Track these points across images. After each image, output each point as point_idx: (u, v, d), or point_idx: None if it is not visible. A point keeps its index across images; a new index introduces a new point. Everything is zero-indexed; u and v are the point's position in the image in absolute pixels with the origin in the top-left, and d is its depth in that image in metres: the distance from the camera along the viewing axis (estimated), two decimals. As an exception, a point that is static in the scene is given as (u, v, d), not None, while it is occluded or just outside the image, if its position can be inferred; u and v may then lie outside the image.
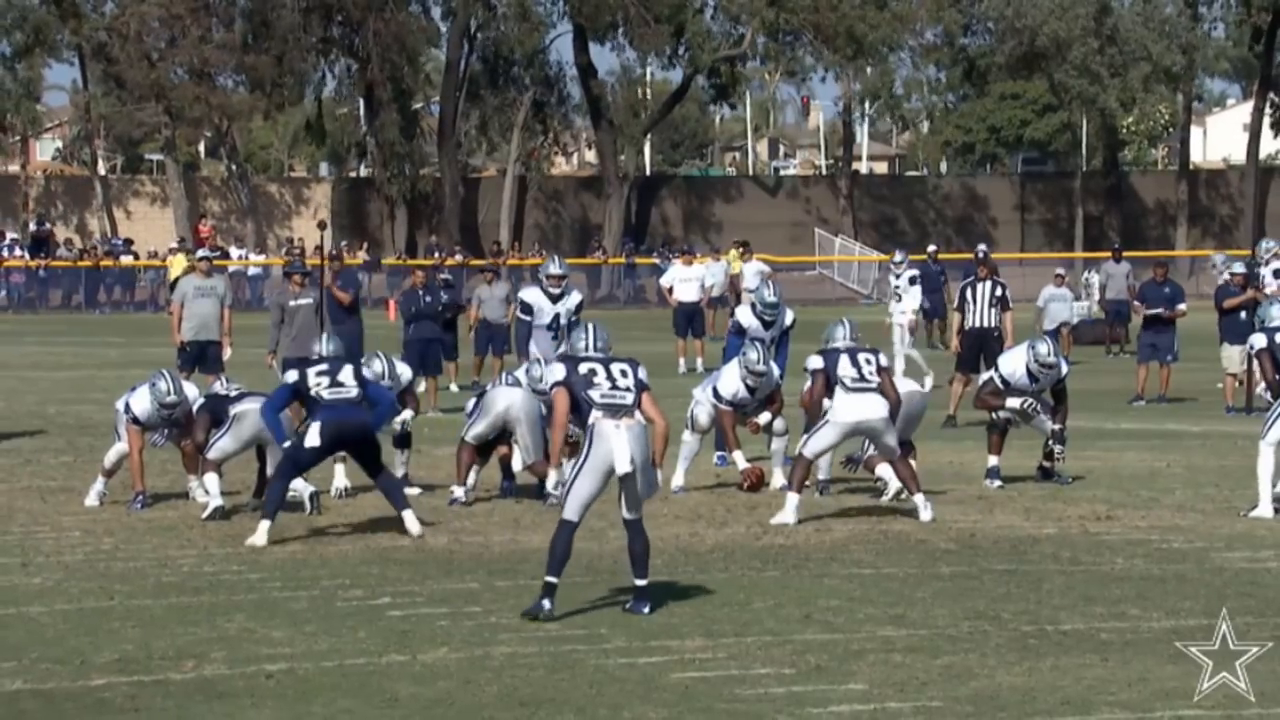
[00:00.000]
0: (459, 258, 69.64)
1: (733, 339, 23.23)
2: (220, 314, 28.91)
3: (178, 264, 67.28)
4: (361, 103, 79.92)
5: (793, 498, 19.27)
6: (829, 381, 19.82)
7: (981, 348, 28.37)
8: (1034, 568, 16.91)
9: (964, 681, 12.54)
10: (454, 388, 33.16)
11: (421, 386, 29.65)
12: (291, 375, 19.51)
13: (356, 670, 12.90)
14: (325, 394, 18.83)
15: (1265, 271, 33.43)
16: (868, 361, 19.88)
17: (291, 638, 13.88)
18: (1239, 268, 33.60)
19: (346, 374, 19.12)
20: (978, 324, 29.10)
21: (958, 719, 11.56)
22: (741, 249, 53.47)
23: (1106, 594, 15.59)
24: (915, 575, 16.46)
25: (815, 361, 19.93)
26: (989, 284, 29.76)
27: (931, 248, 45.76)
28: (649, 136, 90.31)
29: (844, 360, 19.81)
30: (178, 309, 29.45)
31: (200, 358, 28.60)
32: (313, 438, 18.65)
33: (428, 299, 32.18)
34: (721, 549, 17.80)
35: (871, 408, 19.56)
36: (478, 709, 11.78)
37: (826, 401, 19.89)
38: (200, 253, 35.12)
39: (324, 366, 19.21)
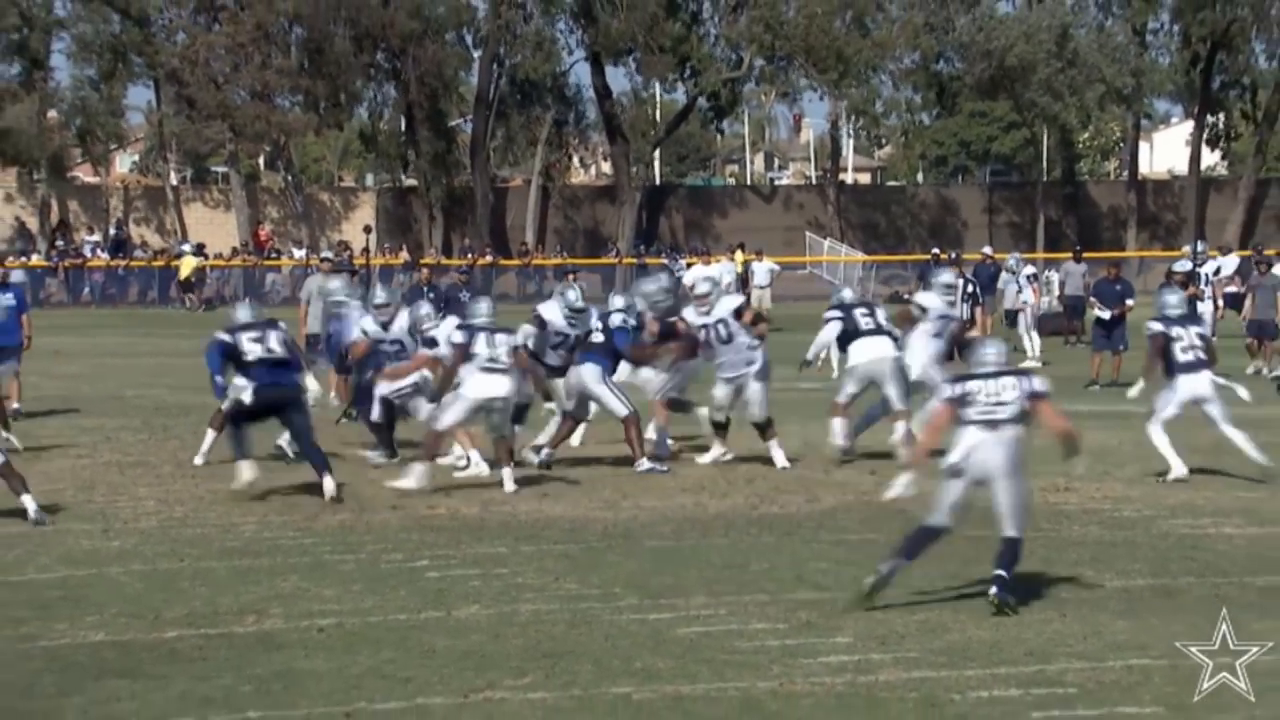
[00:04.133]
0: (489, 257, 69.73)
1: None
2: None
3: (187, 264, 67.50)
4: (403, 120, 79.98)
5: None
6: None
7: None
8: (987, 533, 16.87)
9: (938, 635, 12.52)
10: None
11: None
12: (224, 335, 19.44)
13: (398, 625, 12.89)
14: (259, 357, 18.93)
15: (1204, 271, 33.44)
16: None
17: (340, 596, 13.88)
18: (1182, 266, 33.63)
19: (274, 339, 19.16)
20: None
21: (933, 669, 11.53)
22: (757, 253, 53.76)
23: (1064, 557, 15.58)
24: (895, 541, 16.43)
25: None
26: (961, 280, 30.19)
27: (986, 249, 45.72)
28: (658, 151, 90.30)
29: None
30: (304, 306, 29.43)
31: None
32: (246, 396, 18.75)
33: (431, 295, 32.07)
34: (723, 517, 17.79)
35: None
36: (505, 659, 11.76)
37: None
38: (324, 254, 35.12)
39: (255, 332, 19.24)
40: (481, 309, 20.75)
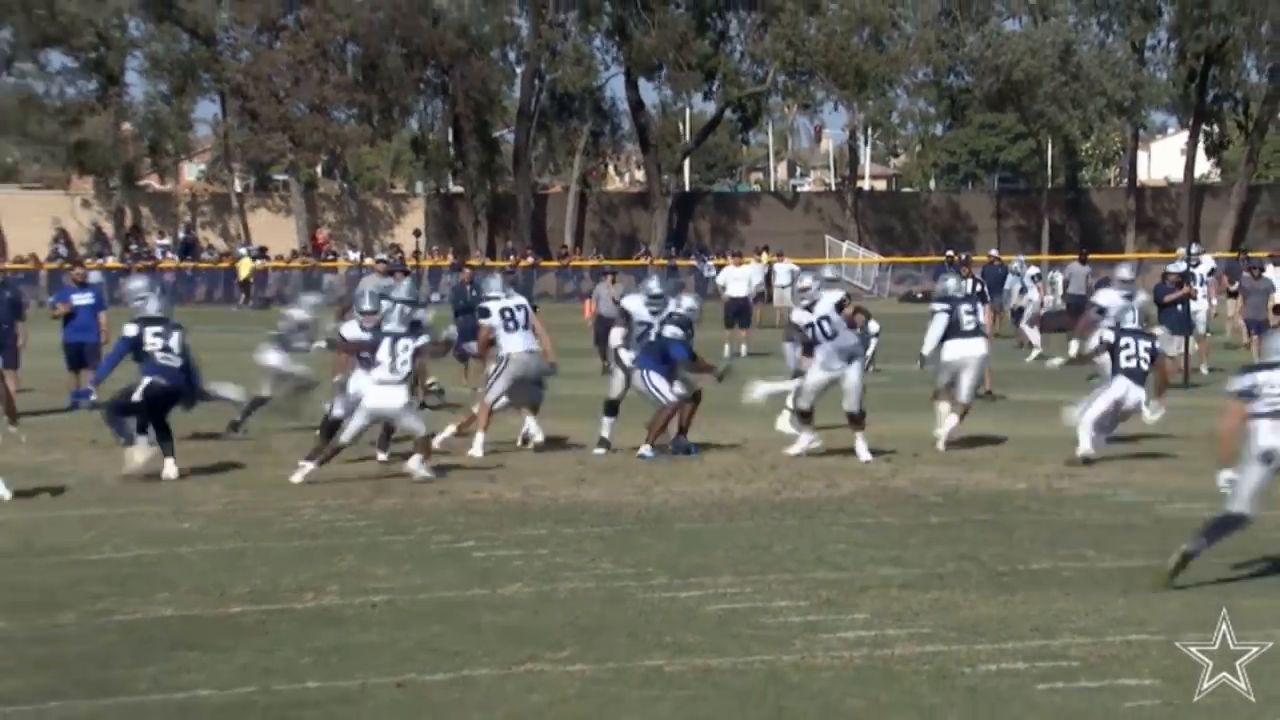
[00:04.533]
0: (530, 259, 69.80)
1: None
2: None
3: (245, 266, 67.87)
4: (450, 132, 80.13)
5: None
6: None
7: None
8: (1007, 517, 16.88)
9: (950, 612, 12.51)
10: None
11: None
12: (131, 329, 19.55)
13: (445, 601, 12.90)
14: (157, 355, 19.22)
15: (1198, 272, 33.37)
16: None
17: (392, 574, 13.90)
18: (1176, 268, 33.58)
19: (175, 340, 19.26)
20: None
21: (945, 644, 11.52)
22: (778, 254, 53.88)
23: (1068, 539, 15.56)
24: (909, 524, 16.44)
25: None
26: (970, 281, 30.29)
27: (993, 251, 45.70)
28: (687, 160, 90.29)
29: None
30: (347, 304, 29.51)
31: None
32: (139, 393, 19.05)
33: (473, 294, 32.09)
34: (748, 502, 17.80)
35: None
36: (545, 634, 11.77)
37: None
38: (379, 256, 35.16)
39: (159, 329, 19.33)
40: (494, 285, 21.26)
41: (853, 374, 20.92)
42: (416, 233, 75.69)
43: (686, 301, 22.39)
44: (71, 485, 18.93)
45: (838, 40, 76.52)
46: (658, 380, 21.37)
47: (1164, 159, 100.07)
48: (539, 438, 22.14)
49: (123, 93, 77.07)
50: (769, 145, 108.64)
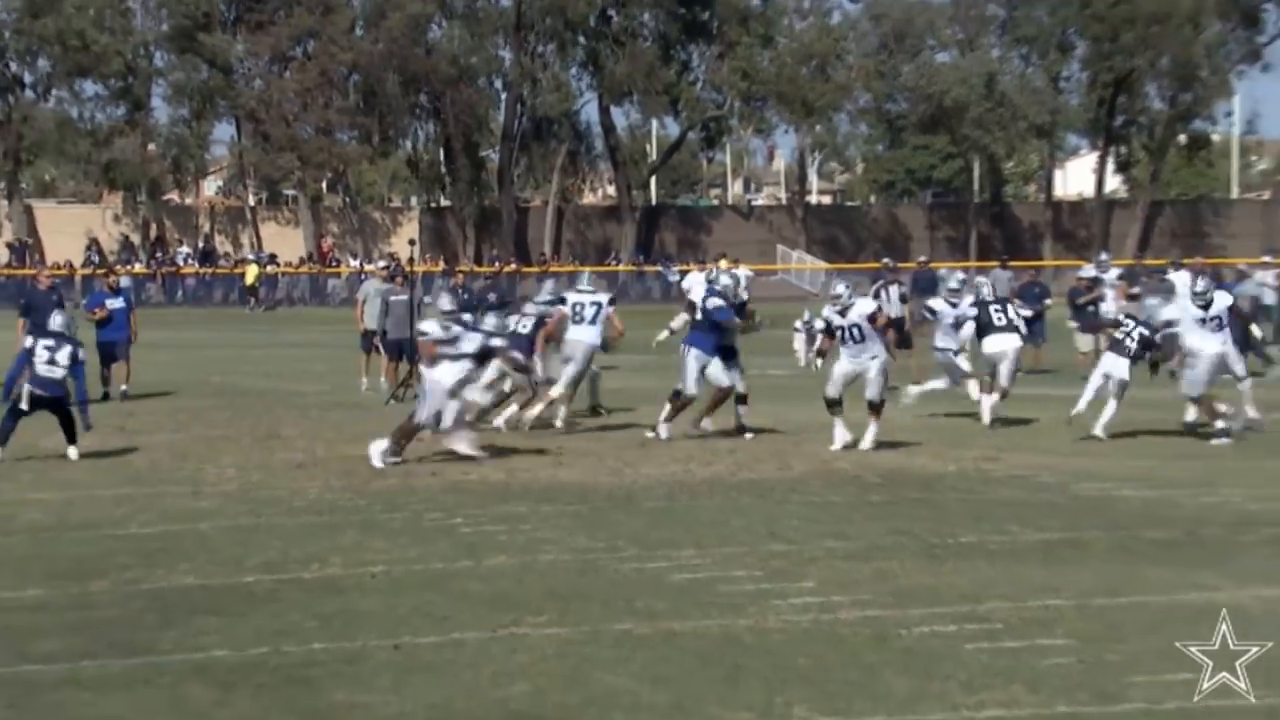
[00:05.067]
0: (513, 266, 69.75)
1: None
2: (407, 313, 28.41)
3: (251, 272, 67.77)
4: (442, 151, 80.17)
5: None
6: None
7: (900, 329, 28.81)
8: (939, 496, 16.90)
9: (888, 581, 12.52)
10: None
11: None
12: (27, 341, 19.57)
13: (437, 572, 12.88)
14: (40, 367, 19.17)
15: (1107, 277, 33.40)
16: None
17: (389, 548, 13.87)
18: (1087, 273, 33.69)
19: (64, 355, 19.27)
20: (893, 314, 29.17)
21: (883, 609, 11.53)
22: (735, 261, 53.83)
23: (993, 515, 15.58)
24: (852, 502, 16.45)
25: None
26: (895, 286, 30.80)
27: (922, 258, 45.62)
28: (654, 176, 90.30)
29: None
30: (360, 306, 29.38)
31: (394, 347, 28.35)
32: (24, 401, 19.10)
33: (464, 295, 32.16)
34: (708, 483, 17.78)
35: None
36: (527, 601, 11.76)
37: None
38: (379, 263, 35.07)
39: (50, 343, 19.34)
40: (547, 288, 21.46)
41: (874, 369, 20.63)
42: (411, 242, 75.09)
43: (723, 279, 23.01)
44: (103, 467, 18.87)
45: (788, 71, 76.93)
46: (717, 367, 21.40)
47: (1078, 176, 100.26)
48: (558, 422, 22.17)
49: (148, 117, 76.91)
50: (727, 164, 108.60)
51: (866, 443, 20.43)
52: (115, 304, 27.94)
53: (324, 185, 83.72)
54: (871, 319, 20.82)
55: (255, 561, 13.28)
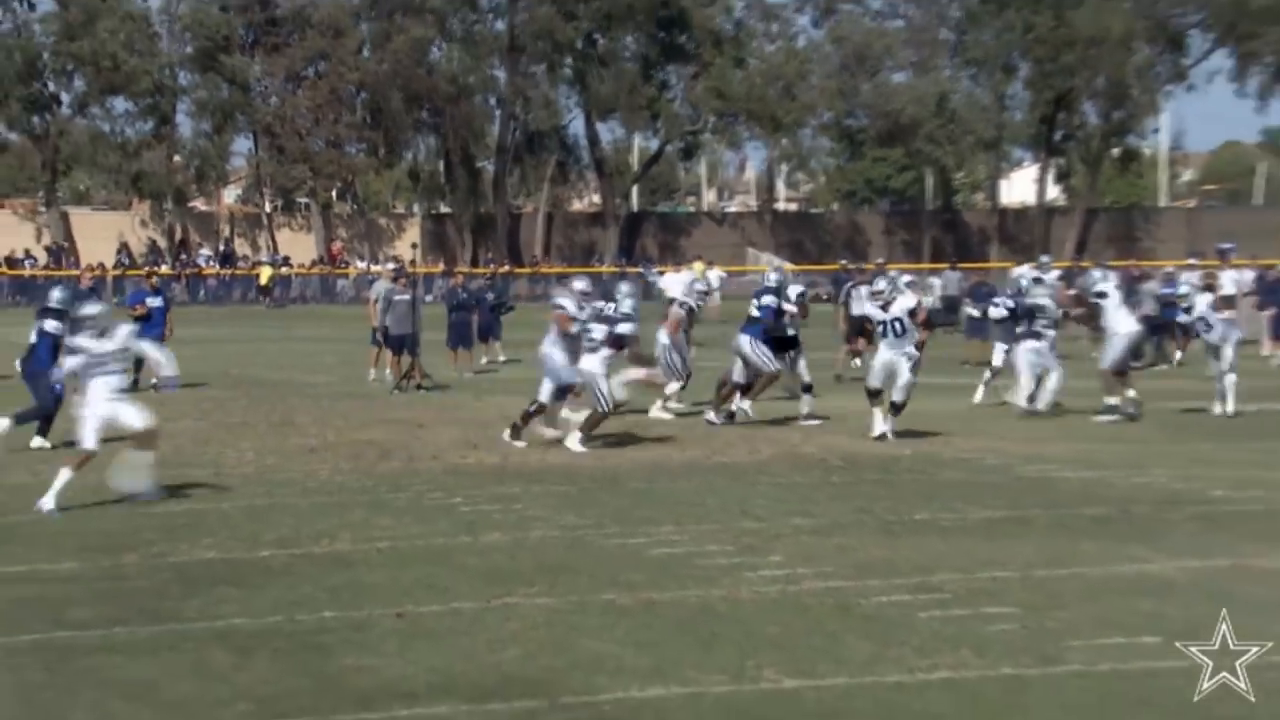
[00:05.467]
0: (506, 267, 69.67)
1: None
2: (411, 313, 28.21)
3: (265, 273, 67.70)
4: (442, 163, 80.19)
5: None
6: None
7: (862, 329, 28.75)
8: (896, 477, 16.92)
9: (849, 555, 12.52)
10: (501, 358, 32.99)
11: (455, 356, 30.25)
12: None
13: (438, 547, 12.87)
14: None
15: (1048, 277, 33.37)
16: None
17: (394, 525, 13.86)
18: (1029, 273, 33.70)
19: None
20: (857, 313, 29.18)
21: (844, 580, 11.54)
22: (709, 263, 53.96)
23: (944, 495, 15.60)
24: (816, 483, 16.46)
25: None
26: (864, 287, 30.53)
27: (879, 260, 45.66)
28: (636, 185, 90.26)
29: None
30: (373, 305, 29.14)
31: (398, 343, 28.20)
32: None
33: (463, 294, 32.17)
34: (686, 465, 17.79)
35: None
36: (519, 574, 11.75)
37: None
38: (390, 265, 35.01)
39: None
40: (624, 290, 21.15)
41: (905, 367, 20.03)
42: (414, 246, 75.39)
43: (772, 276, 23.09)
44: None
45: (757, 90, 77.03)
46: (764, 349, 21.37)
47: (1021, 186, 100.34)
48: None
49: (174, 131, 76.80)
50: (702, 174, 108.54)
51: (878, 430, 19.84)
52: (155, 302, 28.06)
53: (334, 194, 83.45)
54: (913, 314, 20.40)
55: (271, 537, 13.26)
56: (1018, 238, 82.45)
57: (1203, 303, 23.82)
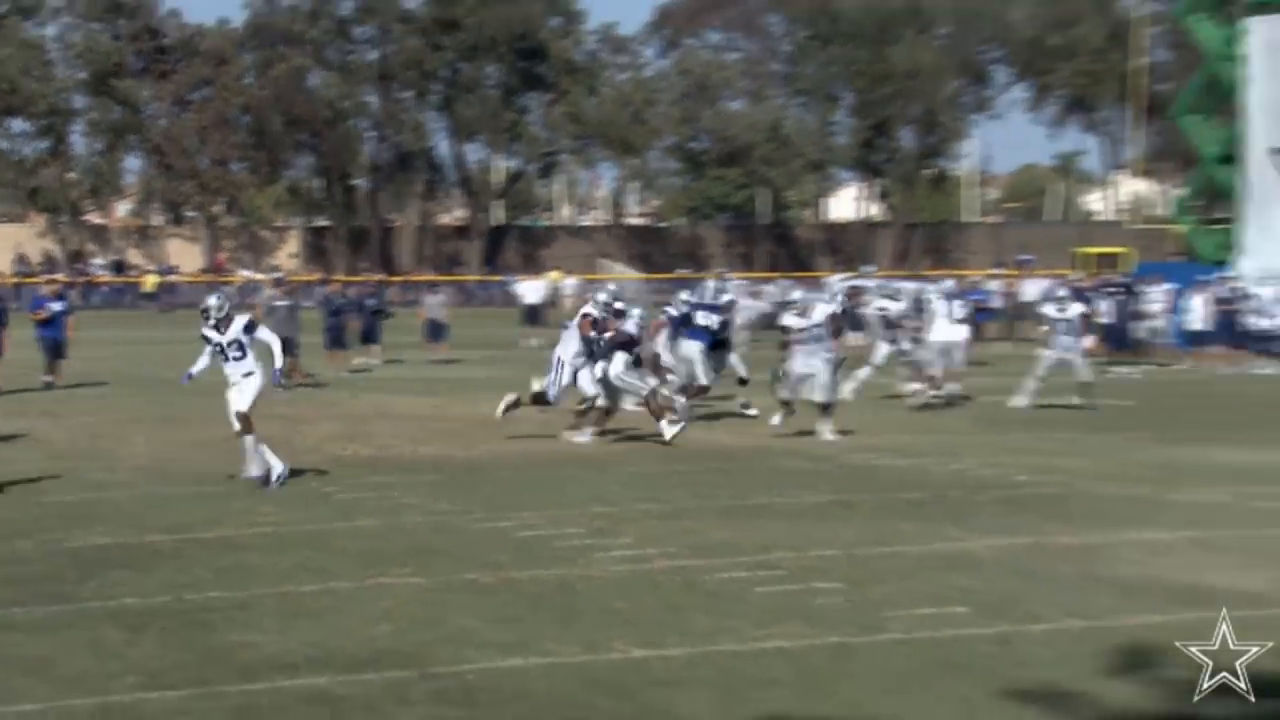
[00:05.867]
0: (380, 277, 69.15)
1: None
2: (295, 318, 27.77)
3: (149, 281, 66.89)
4: (319, 180, 79.60)
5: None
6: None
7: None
8: (736, 465, 16.99)
9: (694, 537, 12.55)
10: (379, 360, 32.68)
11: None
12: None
13: (317, 532, 12.73)
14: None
15: (870, 285, 33.80)
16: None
17: (276, 512, 13.68)
18: (855, 283, 34.07)
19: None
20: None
21: (689, 559, 11.55)
22: (565, 272, 53.94)
23: (781, 481, 15.69)
24: (663, 471, 16.49)
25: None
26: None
27: (720, 270, 45.65)
28: (499, 201, 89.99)
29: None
30: (259, 310, 28.67)
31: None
32: None
33: (341, 300, 31.94)
34: (545, 456, 17.75)
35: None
36: (392, 555, 11.65)
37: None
38: (274, 274, 34.64)
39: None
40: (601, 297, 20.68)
41: (825, 371, 19.61)
42: (293, 256, 74.79)
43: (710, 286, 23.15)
44: (26, 444, 18.43)
45: (610, 115, 77.31)
46: (706, 361, 21.28)
47: (845, 203, 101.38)
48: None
49: (68, 149, 75.65)
50: (560, 190, 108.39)
51: (827, 436, 19.22)
52: (56, 307, 27.64)
53: (219, 208, 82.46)
54: (832, 319, 20.14)
55: (161, 524, 13.02)
56: (843, 249, 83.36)
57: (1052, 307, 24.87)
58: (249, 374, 15.64)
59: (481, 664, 8.59)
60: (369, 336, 32.49)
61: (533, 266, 69.88)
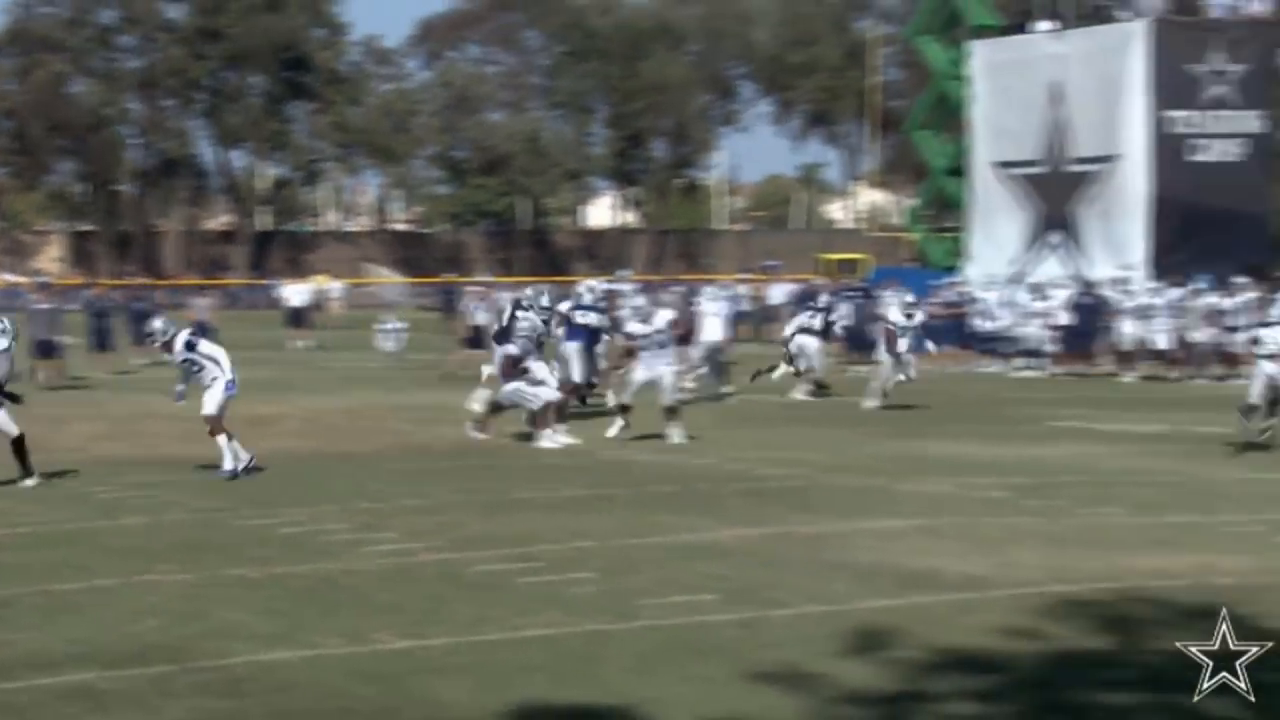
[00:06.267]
0: (145, 280, 67.48)
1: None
2: None
3: None
4: (84, 185, 77.51)
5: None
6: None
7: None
8: (498, 461, 16.95)
9: (456, 530, 12.50)
10: (144, 360, 31.76)
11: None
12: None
13: (80, 530, 12.36)
14: None
15: (627, 289, 33.99)
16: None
17: (37, 511, 13.26)
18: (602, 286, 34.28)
19: None
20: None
21: (452, 552, 11.49)
22: (332, 275, 53.35)
23: (541, 476, 15.73)
24: (427, 469, 16.39)
25: None
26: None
27: (487, 275, 45.32)
28: (265, 206, 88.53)
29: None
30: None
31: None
32: None
33: (107, 303, 31.28)
34: (312, 455, 17.50)
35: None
36: (158, 552, 11.37)
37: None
38: (38, 279, 33.61)
39: None
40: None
41: (668, 375, 19.20)
42: (57, 260, 72.54)
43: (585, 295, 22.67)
44: None
45: (373, 123, 76.89)
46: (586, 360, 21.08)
47: (602, 210, 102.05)
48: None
49: None
50: (326, 196, 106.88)
51: (677, 439, 18.72)
52: None
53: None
54: (673, 324, 19.88)
55: (-80, 527, 12.51)
56: (600, 255, 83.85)
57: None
58: (214, 379, 15.87)
59: (246, 657, 8.44)
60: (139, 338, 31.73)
61: (298, 271, 68.80)
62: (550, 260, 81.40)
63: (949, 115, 46.94)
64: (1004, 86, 42.89)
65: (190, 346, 15.94)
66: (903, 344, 23.90)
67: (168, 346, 16.09)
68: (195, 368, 15.93)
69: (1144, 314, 30.89)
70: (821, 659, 8.40)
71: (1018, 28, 45.00)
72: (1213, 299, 30.40)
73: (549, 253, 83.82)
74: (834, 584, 10.37)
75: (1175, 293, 31.08)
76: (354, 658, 8.48)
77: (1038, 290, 33.72)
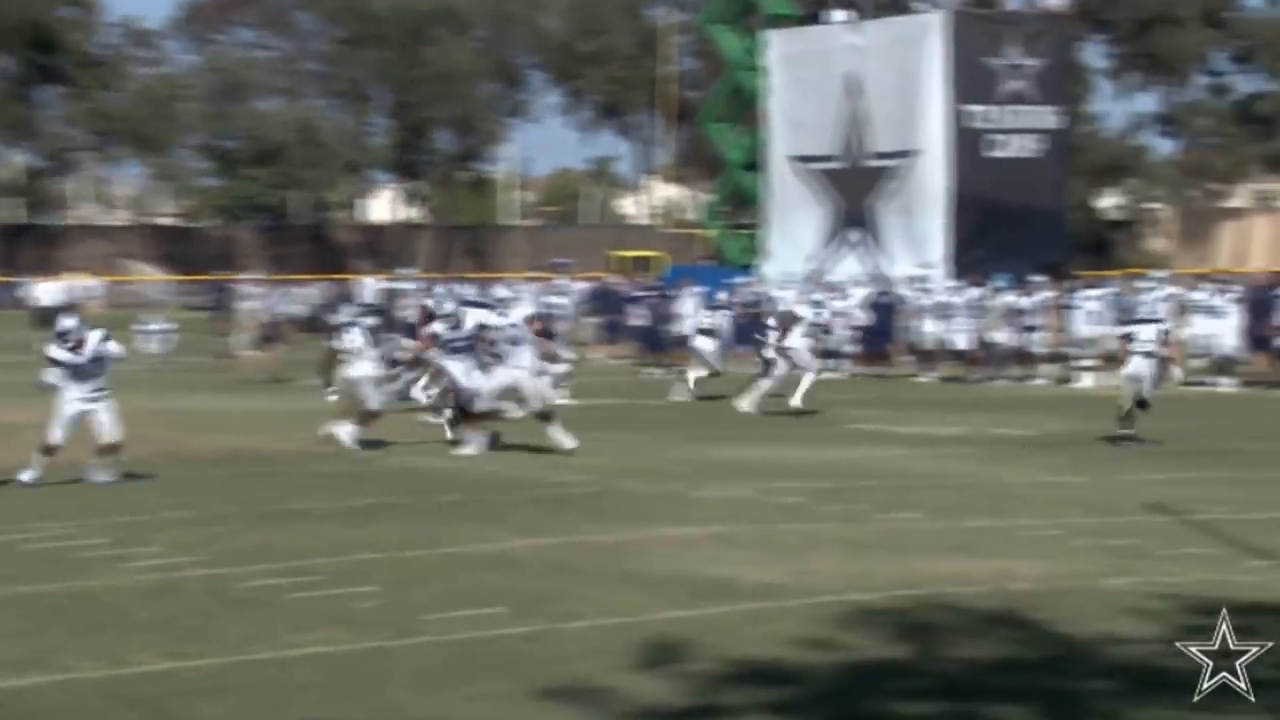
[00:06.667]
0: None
1: None
2: None
3: None
4: None
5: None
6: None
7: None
8: (277, 469, 16.71)
9: (226, 542, 12.29)
10: None
11: None
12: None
13: None
14: None
15: (409, 287, 33.85)
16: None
17: None
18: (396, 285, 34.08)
19: None
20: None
21: (221, 567, 11.29)
22: (89, 272, 52.12)
23: (322, 486, 15.57)
24: (196, 478, 16.14)
25: None
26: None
27: (255, 274, 44.37)
28: (19, 198, 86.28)
29: None
30: None
31: None
32: None
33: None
34: (74, 465, 16.94)
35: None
36: None
37: None
38: None
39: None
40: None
41: (528, 379, 18.55)
42: None
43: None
44: None
45: (135, 111, 75.32)
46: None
47: (384, 205, 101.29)
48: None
49: None
50: (80, 188, 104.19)
51: (568, 444, 18.18)
52: None
53: None
54: (529, 320, 19.51)
55: None
56: (383, 252, 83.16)
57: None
58: (100, 391, 15.40)
59: (-8, 684, 8.18)
60: None
61: (51, 268, 66.96)
62: (329, 257, 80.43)
63: (745, 107, 47.54)
64: (800, 78, 43.56)
65: (107, 338, 15.50)
66: (808, 341, 24.04)
67: (79, 347, 15.40)
68: (99, 370, 15.41)
69: (943, 313, 31.69)
70: (613, 673, 8.43)
71: (813, 17, 45.79)
72: (1011, 298, 31.30)
73: (327, 249, 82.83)
74: (627, 595, 10.43)
75: (975, 292, 31.93)
76: (112, 680, 8.28)
77: (836, 289, 34.34)
